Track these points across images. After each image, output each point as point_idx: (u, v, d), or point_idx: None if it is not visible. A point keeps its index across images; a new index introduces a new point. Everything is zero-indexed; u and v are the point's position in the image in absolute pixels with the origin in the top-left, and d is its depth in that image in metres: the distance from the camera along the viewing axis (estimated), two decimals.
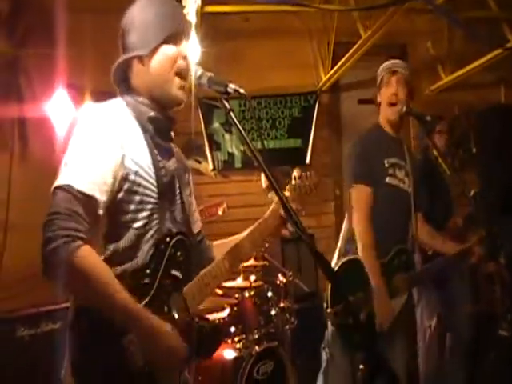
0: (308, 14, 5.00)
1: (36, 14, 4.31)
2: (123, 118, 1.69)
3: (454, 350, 3.70)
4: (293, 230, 1.94)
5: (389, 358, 2.78)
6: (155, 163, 1.71)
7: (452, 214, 3.89)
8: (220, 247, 1.98)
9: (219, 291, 3.70)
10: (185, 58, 1.76)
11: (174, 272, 1.69)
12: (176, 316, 1.66)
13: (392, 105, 2.93)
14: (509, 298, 4.13)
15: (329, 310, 2.64)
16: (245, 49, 5.15)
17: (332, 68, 4.97)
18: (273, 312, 3.74)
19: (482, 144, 4.93)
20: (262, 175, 4.97)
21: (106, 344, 1.51)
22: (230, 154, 5.23)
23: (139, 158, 1.66)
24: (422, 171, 3.37)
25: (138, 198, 1.64)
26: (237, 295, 3.69)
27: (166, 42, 1.73)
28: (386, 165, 2.90)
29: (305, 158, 5.30)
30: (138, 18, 1.75)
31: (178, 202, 1.82)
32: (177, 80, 1.75)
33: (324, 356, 2.97)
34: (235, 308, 3.63)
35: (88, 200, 1.51)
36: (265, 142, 5.09)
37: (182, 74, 1.75)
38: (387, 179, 2.89)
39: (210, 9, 4.17)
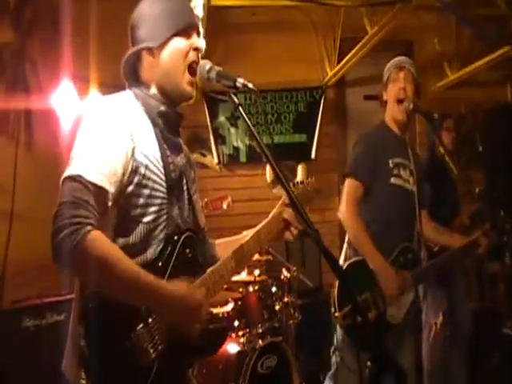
0: (315, 9, 4.99)
1: (42, 3, 4.30)
2: (133, 111, 1.68)
3: (458, 348, 3.70)
4: (295, 234, 1.96)
5: (397, 355, 2.78)
6: (164, 158, 1.69)
7: (458, 212, 3.88)
8: (222, 246, 1.97)
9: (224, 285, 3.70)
10: (196, 50, 1.75)
11: (183, 268, 1.68)
12: None
13: (400, 101, 2.92)
14: None
15: (337, 314, 2.57)
16: (251, 43, 5.15)
17: (338, 63, 4.96)
18: (277, 307, 3.74)
19: (488, 142, 4.92)
20: (267, 170, 5.03)
21: (115, 337, 1.50)
22: (235, 148, 5.23)
23: (149, 151, 1.65)
24: (429, 169, 3.36)
25: (147, 191, 1.63)
26: (241, 289, 3.69)
27: (176, 34, 1.73)
28: (391, 165, 2.89)
29: (310, 153, 5.29)
30: (148, 12, 1.74)
31: (186, 198, 1.81)
32: (187, 75, 1.74)
33: (334, 359, 2.92)
34: (239, 302, 3.64)
35: (98, 191, 1.50)
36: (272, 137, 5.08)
37: (193, 67, 1.74)
38: (392, 179, 2.89)
39: (216, 2, 4.15)
